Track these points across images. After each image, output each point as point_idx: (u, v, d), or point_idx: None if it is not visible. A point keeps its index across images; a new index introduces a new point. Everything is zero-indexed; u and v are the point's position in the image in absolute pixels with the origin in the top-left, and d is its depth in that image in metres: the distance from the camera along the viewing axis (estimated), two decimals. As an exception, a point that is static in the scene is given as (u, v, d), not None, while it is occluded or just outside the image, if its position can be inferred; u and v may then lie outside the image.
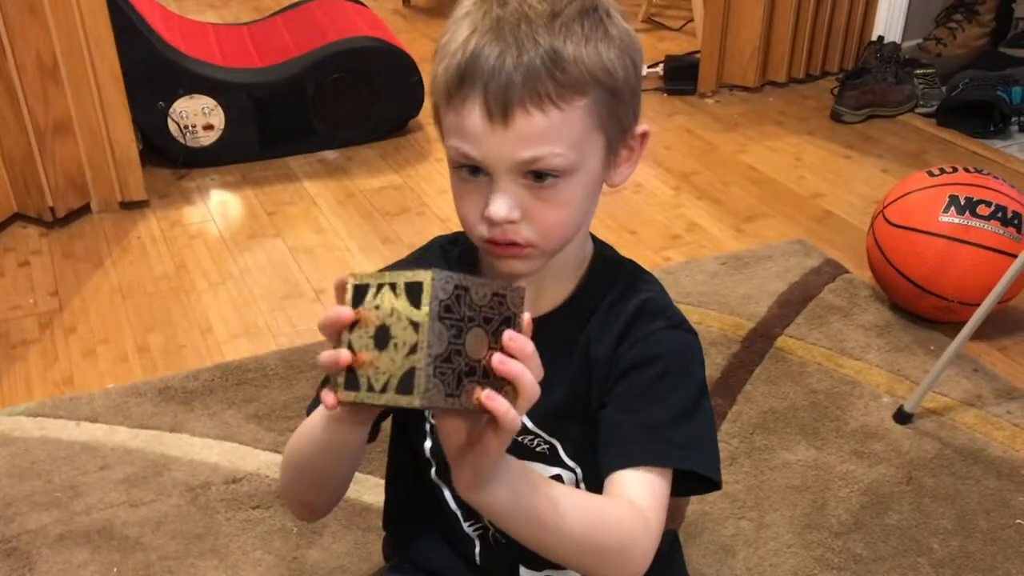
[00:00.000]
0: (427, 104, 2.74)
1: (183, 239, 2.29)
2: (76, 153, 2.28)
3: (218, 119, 2.55)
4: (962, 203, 1.82)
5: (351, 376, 0.70)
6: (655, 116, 2.92)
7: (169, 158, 2.56)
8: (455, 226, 0.91)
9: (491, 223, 0.82)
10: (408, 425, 1.01)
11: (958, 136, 2.75)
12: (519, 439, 0.96)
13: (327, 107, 2.63)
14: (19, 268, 2.17)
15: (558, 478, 0.97)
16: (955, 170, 1.91)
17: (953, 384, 1.76)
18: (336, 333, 0.71)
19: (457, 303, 0.67)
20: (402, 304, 0.67)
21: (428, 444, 0.99)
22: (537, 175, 0.80)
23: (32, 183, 2.26)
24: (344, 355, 0.69)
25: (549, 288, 0.92)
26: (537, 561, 1.04)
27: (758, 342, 1.88)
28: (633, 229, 2.31)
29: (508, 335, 0.69)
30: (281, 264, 2.19)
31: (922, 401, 1.68)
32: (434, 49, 0.85)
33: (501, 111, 0.78)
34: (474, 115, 0.79)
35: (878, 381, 1.78)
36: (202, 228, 2.34)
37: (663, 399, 0.87)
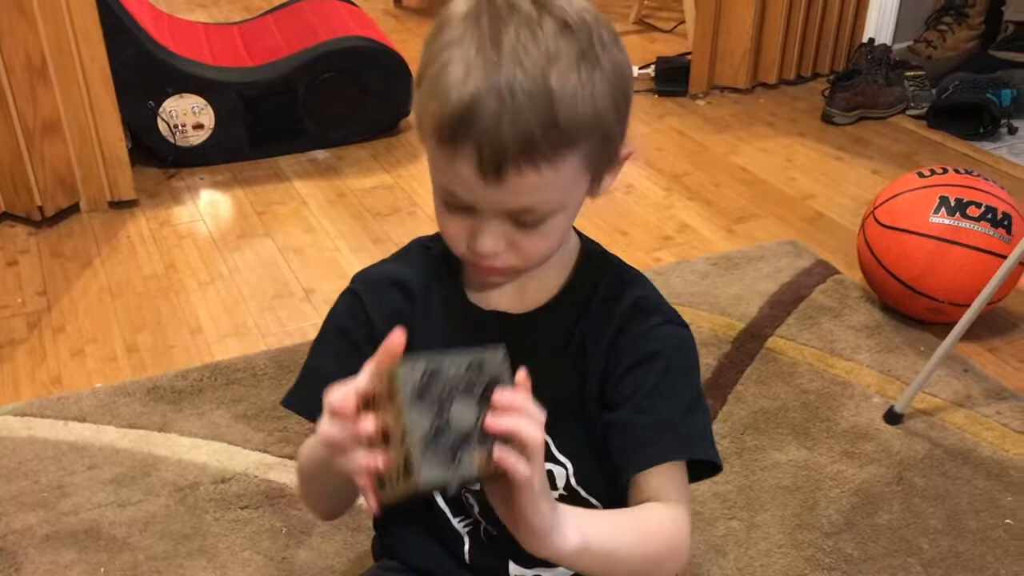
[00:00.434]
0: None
1: (172, 239, 2.28)
2: (65, 152, 2.27)
3: (208, 118, 2.54)
4: (952, 204, 1.82)
5: (379, 477, 0.74)
6: (646, 117, 2.92)
7: (159, 157, 2.55)
8: (446, 226, 0.90)
9: (475, 252, 0.83)
10: None
11: (948, 138, 2.76)
12: None
13: (318, 107, 2.63)
14: (7, 267, 2.16)
15: (549, 473, 0.97)
16: (945, 171, 1.91)
17: (943, 385, 1.76)
18: (356, 445, 0.73)
19: (429, 385, 0.71)
20: (387, 399, 0.71)
21: None
22: (524, 215, 0.82)
23: (20, 182, 2.25)
24: (373, 464, 0.72)
25: (538, 284, 0.92)
26: (527, 558, 1.04)
27: (749, 343, 1.88)
28: (624, 230, 2.31)
29: (496, 396, 0.71)
30: (271, 264, 2.18)
31: (912, 401, 1.68)
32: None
33: (495, 170, 0.77)
34: (466, 168, 0.78)
35: (868, 382, 1.78)
36: (192, 228, 2.33)
37: (671, 395, 0.90)
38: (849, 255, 2.11)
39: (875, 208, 1.95)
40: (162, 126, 2.50)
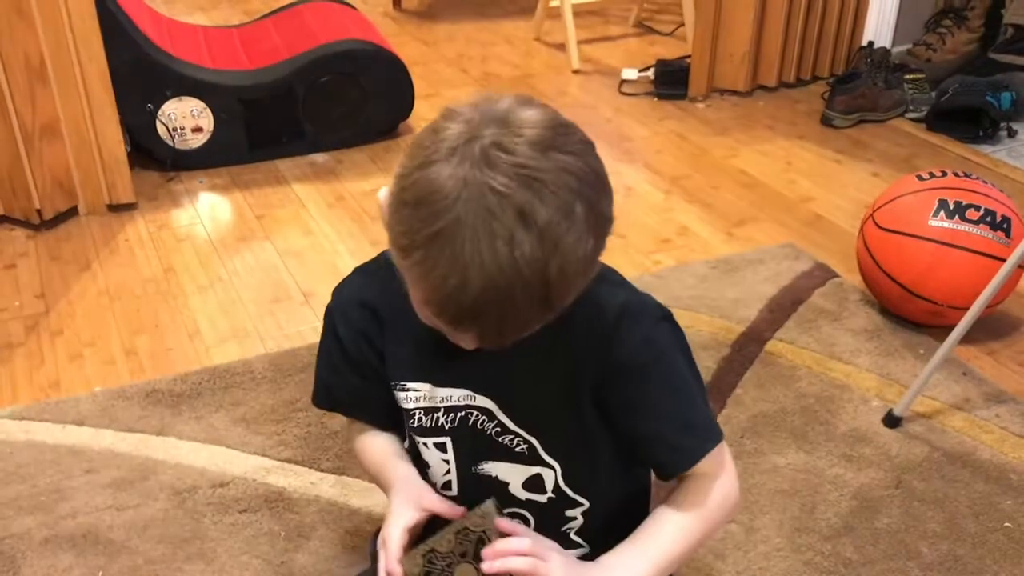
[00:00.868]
0: (417, 107, 2.74)
1: (171, 242, 2.28)
2: (64, 155, 2.27)
3: (207, 121, 2.54)
4: (951, 207, 1.82)
5: None
6: (646, 120, 2.92)
7: (157, 160, 2.55)
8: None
9: (451, 338, 0.86)
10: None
11: (947, 141, 2.76)
12: (499, 440, 0.97)
13: (317, 110, 2.62)
14: (5, 271, 2.16)
15: (537, 476, 0.98)
16: (944, 174, 1.91)
17: (942, 388, 1.76)
18: None
19: (431, 565, 0.89)
20: None
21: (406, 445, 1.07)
22: None
23: (19, 185, 2.25)
24: None
25: None
26: None
27: (748, 346, 1.88)
28: (623, 233, 2.31)
29: (484, 553, 0.88)
30: (270, 267, 2.18)
31: (911, 405, 1.68)
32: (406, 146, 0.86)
33: (494, 345, 0.82)
34: (464, 339, 0.83)
35: (868, 385, 1.78)
36: (190, 231, 2.33)
37: (678, 390, 0.96)
38: (848, 258, 2.11)
39: (874, 211, 1.94)
40: (161, 129, 2.50)
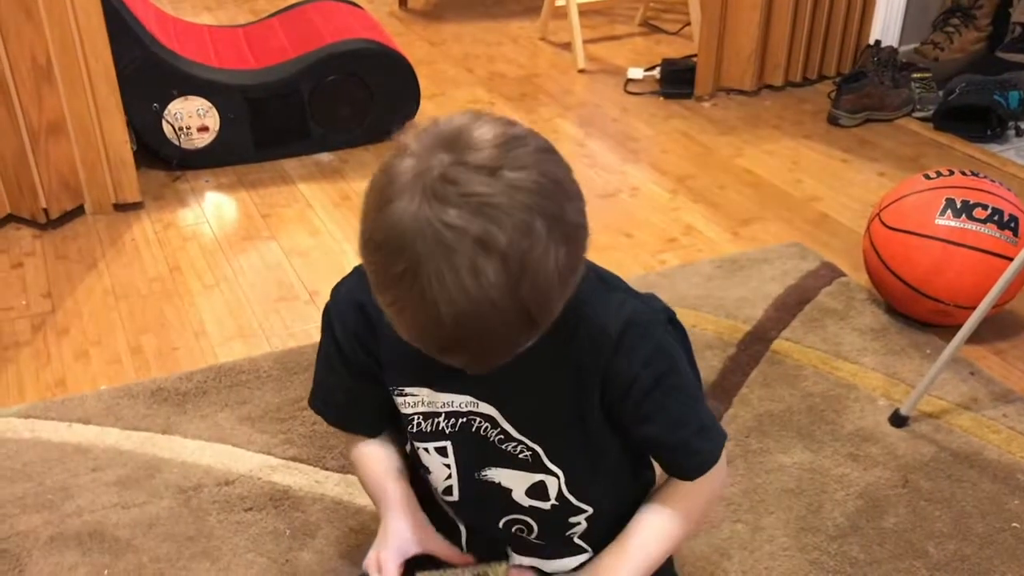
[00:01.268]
0: (423, 107, 2.74)
1: (177, 241, 2.28)
2: (70, 154, 2.27)
3: (213, 121, 2.54)
4: (958, 206, 1.82)
5: None
6: (651, 120, 2.91)
7: (163, 160, 2.55)
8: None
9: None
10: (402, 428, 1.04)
11: (955, 140, 2.75)
12: (502, 447, 0.96)
13: (323, 109, 2.63)
14: (12, 270, 2.16)
15: (541, 484, 0.98)
16: (952, 173, 1.91)
17: (949, 387, 1.76)
18: None
19: None
20: None
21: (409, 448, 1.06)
22: None
23: (25, 184, 2.25)
24: None
25: None
26: (524, 547, 1.05)
27: (754, 345, 1.87)
28: (629, 232, 2.31)
29: None
30: (275, 266, 2.18)
31: (918, 404, 1.67)
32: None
33: (481, 371, 0.82)
34: (449, 364, 0.82)
35: (874, 384, 1.77)
36: (196, 230, 2.33)
37: (690, 395, 0.98)
38: (855, 257, 2.10)
39: (881, 210, 1.94)
40: (167, 128, 2.50)
